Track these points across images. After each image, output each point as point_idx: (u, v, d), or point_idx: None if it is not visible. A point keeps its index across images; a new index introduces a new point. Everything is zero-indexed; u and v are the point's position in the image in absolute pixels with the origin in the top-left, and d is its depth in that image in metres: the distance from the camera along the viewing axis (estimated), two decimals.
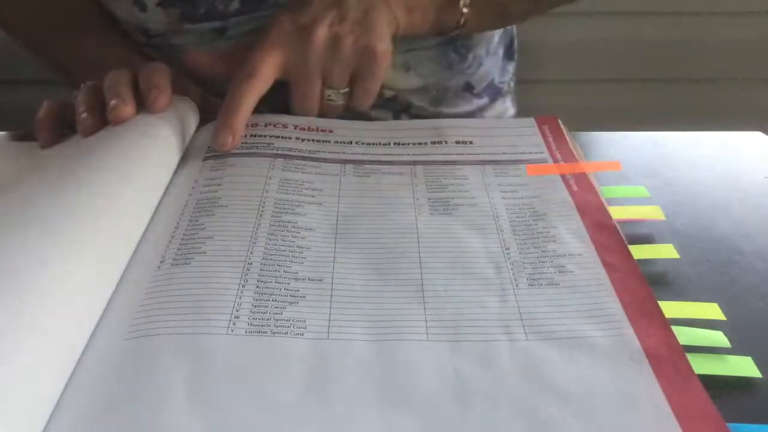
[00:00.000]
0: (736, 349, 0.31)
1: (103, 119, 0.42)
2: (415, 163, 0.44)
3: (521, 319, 0.32)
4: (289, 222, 0.38)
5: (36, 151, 0.44)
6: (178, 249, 0.35)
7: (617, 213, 0.40)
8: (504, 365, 0.29)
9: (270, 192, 0.40)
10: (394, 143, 0.46)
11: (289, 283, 0.34)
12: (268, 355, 0.30)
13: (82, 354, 0.29)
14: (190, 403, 0.27)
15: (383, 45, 0.44)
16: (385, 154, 0.45)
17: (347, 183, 0.42)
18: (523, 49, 0.94)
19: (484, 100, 0.63)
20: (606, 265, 0.35)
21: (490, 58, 0.62)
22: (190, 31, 0.53)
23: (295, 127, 0.47)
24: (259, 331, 0.31)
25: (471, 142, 0.47)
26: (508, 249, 0.37)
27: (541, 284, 0.34)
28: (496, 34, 0.63)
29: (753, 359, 0.31)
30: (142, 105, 0.43)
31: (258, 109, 0.57)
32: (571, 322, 0.32)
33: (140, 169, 0.38)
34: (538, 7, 0.60)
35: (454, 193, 0.41)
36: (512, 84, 0.68)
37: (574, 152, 0.45)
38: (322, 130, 0.47)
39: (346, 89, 0.45)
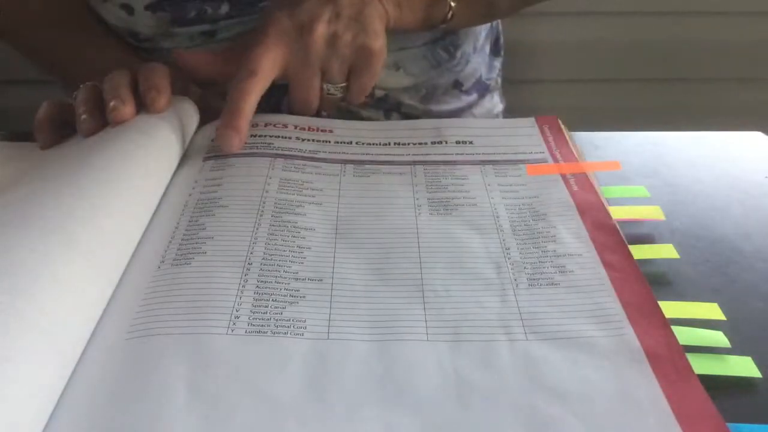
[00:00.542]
0: (736, 349, 0.31)
1: (102, 120, 0.42)
2: (415, 163, 0.44)
3: (521, 319, 0.32)
4: (289, 222, 0.38)
5: (36, 152, 0.44)
6: (178, 249, 0.35)
7: (617, 213, 0.40)
8: (504, 365, 0.29)
9: (270, 192, 0.40)
10: (394, 143, 0.46)
11: (289, 283, 0.34)
12: (268, 355, 0.30)
13: (82, 354, 0.29)
14: (190, 402, 0.27)
15: (379, 42, 0.45)
16: (385, 154, 0.45)
17: (347, 183, 0.42)
18: (523, 49, 0.94)
19: (473, 97, 0.64)
20: (606, 265, 0.35)
21: (477, 55, 0.63)
22: (179, 34, 0.53)
23: (295, 127, 0.47)
24: (259, 331, 0.31)
25: (471, 142, 0.47)
26: (508, 249, 0.37)
27: (541, 284, 0.34)
28: (483, 31, 0.63)
29: (753, 359, 0.31)
30: (142, 105, 0.43)
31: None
32: (571, 322, 0.32)
33: (140, 169, 0.38)
34: (524, 3, 0.60)
35: (454, 193, 0.41)
36: (499, 80, 0.69)
37: (574, 152, 0.45)
38: (322, 130, 0.47)
39: (344, 84, 0.46)
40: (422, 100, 0.60)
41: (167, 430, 0.26)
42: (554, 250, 0.36)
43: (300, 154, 0.44)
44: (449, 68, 0.60)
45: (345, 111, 0.58)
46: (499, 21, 0.68)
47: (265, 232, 0.37)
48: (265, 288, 0.33)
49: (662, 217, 0.40)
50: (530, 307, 0.33)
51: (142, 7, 0.52)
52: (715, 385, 0.29)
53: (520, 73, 0.93)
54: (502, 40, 0.69)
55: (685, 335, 0.31)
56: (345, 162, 0.44)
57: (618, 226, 0.38)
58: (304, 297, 0.33)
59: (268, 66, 0.42)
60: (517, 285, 0.34)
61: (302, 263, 0.35)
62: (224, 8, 0.52)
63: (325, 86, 0.45)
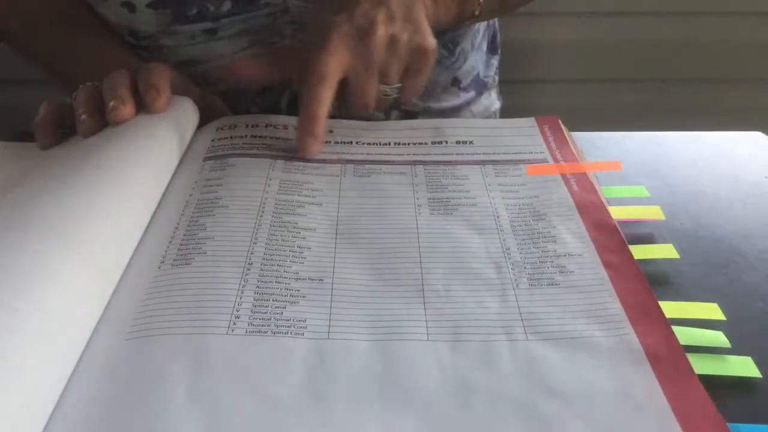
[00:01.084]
0: (736, 349, 0.31)
1: (102, 120, 0.42)
2: (415, 163, 0.44)
3: (521, 319, 0.32)
4: (289, 222, 0.38)
5: (36, 152, 0.44)
6: (178, 249, 0.35)
7: (617, 213, 0.40)
8: (504, 365, 0.29)
9: (270, 192, 0.40)
10: (395, 143, 0.46)
11: (289, 283, 0.34)
12: (268, 355, 0.30)
13: (82, 354, 0.29)
14: (190, 402, 0.27)
15: (432, 41, 0.45)
16: (385, 154, 0.45)
17: (347, 183, 0.42)
18: (523, 49, 0.94)
19: (471, 94, 0.64)
20: (606, 265, 0.35)
21: (475, 53, 0.63)
22: (180, 32, 0.53)
23: (296, 128, 0.47)
24: (260, 331, 0.31)
25: (471, 142, 0.47)
26: (509, 249, 0.37)
27: (541, 284, 0.34)
28: (481, 29, 0.64)
29: (753, 359, 0.31)
30: (142, 105, 0.43)
31: (248, 110, 0.57)
32: (571, 322, 0.32)
33: (140, 169, 0.38)
34: None
35: (454, 193, 0.41)
36: (497, 78, 0.69)
37: (575, 152, 0.45)
38: None
39: (399, 84, 0.47)
40: (422, 97, 0.60)
41: (167, 430, 0.26)
42: (554, 250, 0.36)
43: None
44: (448, 66, 0.61)
45: (402, 104, 0.59)
46: (496, 19, 0.68)
47: (266, 232, 0.37)
48: (266, 288, 0.33)
49: (662, 217, 0.40)
50: (530, 307, 0.33)
51: (143, 5, 0.52)
52: (715, 385, 0.29)
53: (520, 73, 0.93)
54: (499, 38, 0.69)
55: (685, 335, 0.31)
56: (345, 162, 0.44)
57: (618, 226, 0.38)
58: (304, 297, 0.33)
59: (334, 71, 0.43)
60: (517, 285, 0.34)
61: (302, 263, 0.35)
62: (226, 6, 0.52)
63: (381, 87, 0.46)
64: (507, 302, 0.33)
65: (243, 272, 0.34)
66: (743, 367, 0.30)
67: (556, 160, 0.44)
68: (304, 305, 0.32)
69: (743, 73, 1.01)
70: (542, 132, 0.48)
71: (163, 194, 0.40)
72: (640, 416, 0.27)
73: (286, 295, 0.33)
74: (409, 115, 0.60)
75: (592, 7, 0.95)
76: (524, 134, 0.48)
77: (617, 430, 0.27)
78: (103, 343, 0.30)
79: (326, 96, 0.42)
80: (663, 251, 0.38)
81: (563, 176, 0.43)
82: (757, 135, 0.52)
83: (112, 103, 0.41)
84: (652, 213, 0.41)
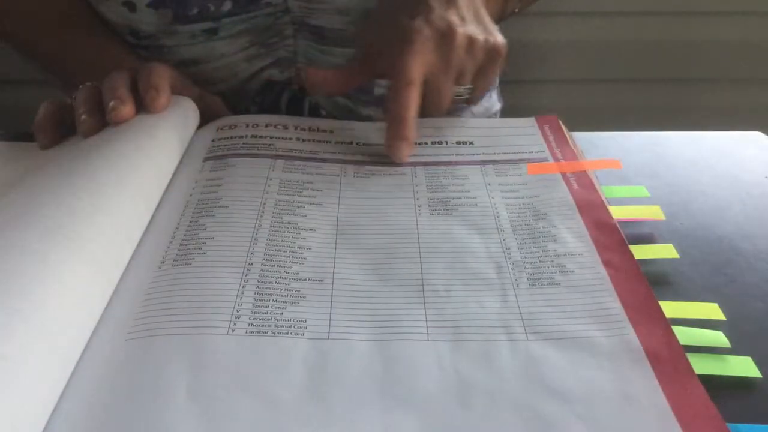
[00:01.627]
0: (736, 349, 0.31)
1: (102, 120, 0.42)
2: (415, 163, 0.44)
3: (522, 319, 0.32)
4: (289, 223, 0.38)
5: (36, 152, 0.44)
6: (178, 250, 0.35)
7: (617, 213, 0.40)
8: (504, 365, 0.29)
9: (270, 193, 0.40)
10: None
11: (289, 284, 0.34)
12: (268, 355, 0.30)
13: (82, 354, 0.29)
14: (190, 403, 0.27)
15: (503, 40, 0.46)
16: (385, 155, 0.45)
17: (348, 183, 0.42)
18: (523, 49, 0.94)
19: None
20: (606, 264, 0.35)
21: None
22: (181, 32, 0.53)
23: (296, 128, 0.47)
24: (260, 332, 0.31)
25: (471, 143, 0.47)
26: (509, 249, 0.37)
27: (541, 284, 0.34)
28: None
29: (753, 359, 0.31)
30: (142, 105, 0.43)
31: (248, 110, 0.57)
32: (571, 322, 0.32)
33: (140, 169, 0.38)
34: None
35: (454, 193, 0.41)
36: (497, 79, 0.69)
37: (575, 152, 0.45)
38: (322, 131, 0.47)
39: (471, 85, 0.47)
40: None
41: (168, 430, 0.26)
42: (555, 250, 0.36)
43: (300, 154, 0.44)
44: None
45: (344, 107, 0.59)
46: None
47: (266, 232, 0.37)
48: (266, 288, 0.33)
49: (662, 217, 0.40)
50: (531, 306, 0.33)
51: (144, 4, 0.52)
52: (715, 385, 0.29)
53: (520, 73, 0.93)
54: None
55: (685, 335, 0.31)
56: (345, 162, 0.44)
57: (618, 225, 0.38)
58: (304, 297, 0.33)
59: (419, 73, 0.43)
60: (517, 285, 0.34)
61: (303, 263, 0.35)
62: (227, 5, 0.52)
63: (455, 89, 0.46)
64: (507, 302, 0.33)
65: (243, 272, 0.34)
66: (743, 367, 0.30)
67: (556, 159, 0.44)
68: (305, 305, 0.32)
69: (743, 73, 1.01)
70: (542, 132, 0.48)
71: (164, 194, 0.40)
72: (640, 416, 0.27)
73: (286, 296, 0.33)
74: None
75: (592, 7, 0.95)
76: (524, 134, 0.48)
77: (617, 430, 0.27)
78: (103, 343, 0.30)
79: (414, 99, 0.43)
80: (663, 251, 0.38)
81: (563, 175, 0.43)
82: (757, 135, 0.52)
83: (112, 103, 0.41)
84: (652, 213, 0.41)
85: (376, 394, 0.28)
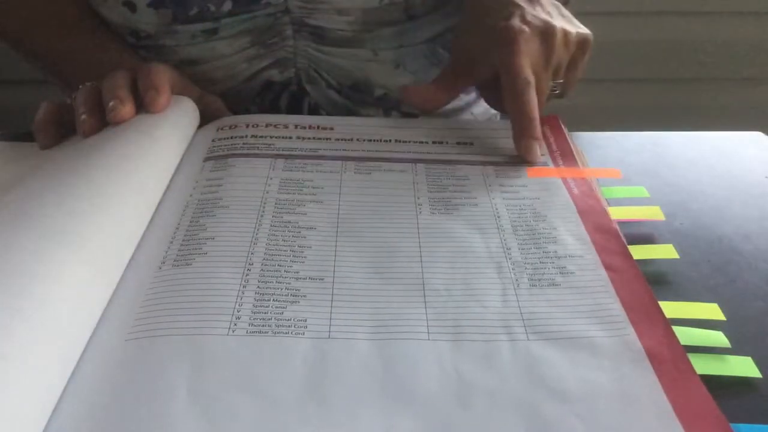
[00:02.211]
0: (736, 349, 0.31)
1: (102, 120, 0.42)
2: (416, 161, 0.44)
3: (522, 319, 0.32)
4: (290, 222, 0.38)
5: (36, 152, 0.44)
6: (179, 250, 0.35)
7: (617, 213, 0.40)
8: (505, 365, 0.29)
9: (271, 192, 0.40)
10: (395, 140, 0.46)
11: (290, 283, 0.34)
12: (269, 355, 0.30)
13: (82, 355, 0.29)
14: (191, 403, 0.27)
15: (590, 32, 0.47)
16: (386, 151, 0.45)
17: (348, 180, 0.42)
18: None
19: (471, 96, 0.64)
20: (606, 266, 0.35)
21: None
22: (181, 32, 0.53)
23: (296, 127, 0.47)
24: (261, 331, 0.31)
25: (472, 144, 0.47)
26: (509, 249, 0.37)
27: (542, 284, 0.34)
28: None
29: (753, 359, 0.31)
30: (142, 106, 0.43)
31: (248, 110, 0.57)
32: (572, 322, 0.32)
33: (140, 169, 0.38)
34: None
35: (454, 192, 0.41)
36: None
37: (575, 153, 0.45)
38: (322, 128, 0.47)
39: (561, 80, 0.47)
40: None
41: (168, 430, 0.26)
42: (555, 251, 0.36)
43: (301, 153, 0.44)
44: None
45: (344, 107, 0.59)
46: None
47: (266, 232, 0.37)
48: (266, 288, 0.33)
49: (662, 217, 0.40)
50: (531, 307, 0.33)
51: (144, 5, 0.52)
52: (715, 385, 0.29)
53: None
54: None
55: (685, 335, 0.31)
56: (346, 159, 0.44)
57: (618, 229, 0.38)
58: (305, 296, 0.33)
59: (531, 72, 0.43)
60: (518, 285, 0.34)
61: (303, 262, 0.35)
62: (227, 6, 0.52)
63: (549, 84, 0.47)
64: (508, 302, 0.33)
65: (243, 272, 0.34)
66: (743, 367, 0.31)
67: (556, 162, 0.44)
68: (305, 305, 0.32)
69: (743, 73, 1.01)
70: (542, 132, 0.48)
71: (164, 194, 0.40)
72: (641, 416, 0.27)
73: (286, 295, 0.33)
74: (409, 116, 0.60)
75: (592, 7, 0.95)
76: None
77: (618, 430, 0.27)
78: (103, 343, 0.30)
79: (535, 98, 0.43)
80: (663, 251, 0.38)
81: (564, 179, 0.43)
82: (757, 135, 0.52)
83: (111, 103, 0.41)
84: (652, 213, 0.41)
85: (376, 393, 0.28)
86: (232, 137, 0.46)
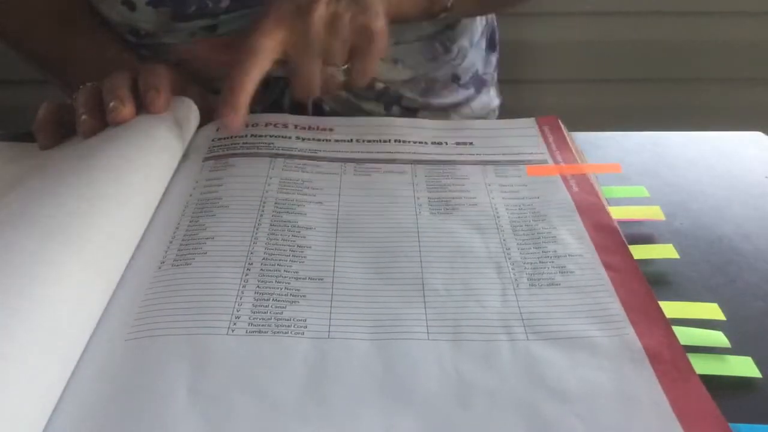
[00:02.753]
0: (736, 349, 0.31)
1: (102, 120, 0.42)
2: (415, 162, 0.44)
3: (522, 319, 0.32)
4: (289, 221, 0.38)
5: (36, 152, 0.44)
6: (178, 250, 0.35)
7: (617, 213, 0.40)
8: (505, 365, 0.29)
9: (270, 192, 0.40)
10: (395, 140, 0.46)
11: (289, 283, 0.34)
12: (268, 354, 0.30)
13: (82, 354, 0.29)
14: (190, 403, 0.27)
15: (380, 22, 0.44)
16: (385, 152, 0.45)
17: (348, 182, 0.42)
18: (523, 49, 0.94)
19: (470, 91, 0.64)
20: (606, 265, 0.35)
21: (474, 50, 0.63)
22: (180, 29, 0.53)
23: (296, 127, 0.47)
24: (260, 331, 0.31)
25: (471, 143, 0.47)
26: (509, 249, 0.37)
27: (541, 284, 0.34)
28: (479, 27, 0.64)
29: (753, 359, 0.31)
30: (142, 106, 0.43)
31: (251, 108, 0.57)
32: (571, 322, 0.32)
33: (140, 169, 0.38)
34: None
35: (454, 193, 0.41)
36: (496, 75, 0.69)
37: (575, 152, 0.45)
38: (322, 129, 0.47)
39: (346, 66, 0.45)
40: (422, 93, 0.61)
41: (168, 430, 0.26)
42: (555, 251, 0.36)
43: (300, 153, 0.44)
44: (446, 61, 0.61)
45: (346, 102, 0.59)
46: (494, 16, 0.68)
47: (266, 231, 0.37)
48: (266, 288, 0.33)
49: (662, 217, 0.40)
50: (531, 307, 0.33)
51: (143, 3, 0.52)
52: (715, 385, 0.29)
53: (520, 73, 0.93)
54: (497, 35, 0.69)
55: (685, 335, 0.31)
56: (345, 161, 0.44)
57: (618, 227, 0.38)
58: (304, 296, 0.33)
59: (267, 46, 0.41)
60: (517, 285, 0.34)
61: (303, 262, 0.35)
62: (225, 2, 0.52)
63: (326, 70, 0.45)
64: (507, 302, 0.33)
65: (243, 272, 0.34)
66: (743, 367, 0.30)
67: (556, 161, 0.44)
68: (305, 305, 0.32)
69: (743, 73, 1.01)
70: (542, 133, 0.48)
71: (164, 194, 0.40)
72: (640, 416, 0.27)
73: (286, 295, 0.33)
74: (409, 111, 0.61)
75: (592, 7, 0.95)
76: (524, 135, 0.48)
77: (618, 430, 0.27)
78: (103, 343, 0.30)
79: (253, 68, 0.41)
80: (663, 251, 0.38)
81: (563, 177, 0.43)
82: (757, 135, 0.52)
83: (112, 104, 0.41)
84: (652, 213, 0.41)
85: (376, 393, 0.28)
86: (231, 137, 0.46)
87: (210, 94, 0.51)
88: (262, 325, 0.31)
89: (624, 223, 0.39)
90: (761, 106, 1.00)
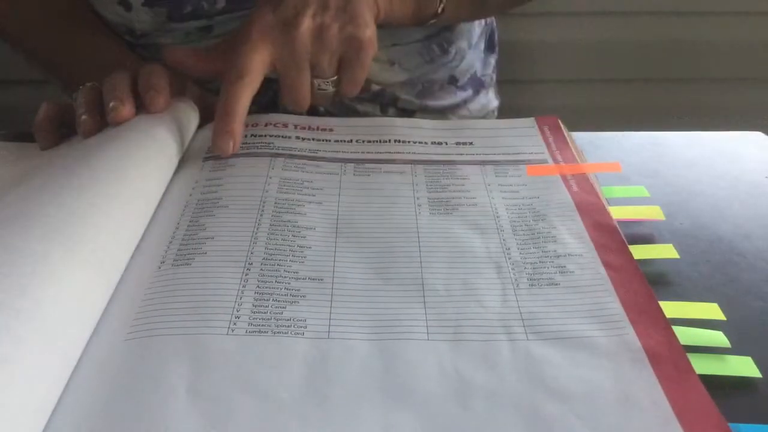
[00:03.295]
0: (736, 349, 0.31)
1: (102, 120, 0.42)
2: (415, 162, 0.44)
3: (522, 319, 0.32)
4: (289, 221, 0.38)
5: (36, 152, 0.44)
6: (178, 249, 0.35)
7: (617, 213, 0.40)
8: (504, 365, 0.29)
9: (270, 192, 0.40)
10: (395, 140, 0.46)
11: (289, 283, 0.34)
12: (268, 354, 0.30)
13: (82, 354, 0.29)
14: (190, 403, 0.27)
15: (368, 32, 0.43)
16: (385, 152, 0.45)
17: (347, 182, 0.42)
18: (523, 49, 0.93)
19: (468, 93, 0.64)
20: (606, 265, 0.35)
21: (472, 51, 0.63)
22: (176, 30, 0.53)
23: (295, 127, 0.47)
24: (260, 331, 0.31)
25: (471, 143, 0.47)
26: (509, 249, 0.37)
27: (541, 284, 0.34)
28: (477, 28, 0.64)
29: (753, 359, 0.31)
30: (142, 106, 0.43)
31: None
32: (571, 322, 0.32)
33: (140, 169, 0.38)
34: (514, 2, 0.60)
35: (454, 193, 0.41)
36: (494, 76, 0.69)
37: (574, 152, 0.45)
38: (322, 129, 0.47)
39: (335, 77, 0.45)
40: (418, 95, 0.61)
41: (168, 430, 0.26)
42: (554, 251, 0.36)
43: (300, 153, 0.44)
44: (444, 63, 0.61)
45: (341, 105, 0.59)
46: (494, 18, 0.68)
47: (266, 231, 0.37)
48: (266, 288, 0.33)
49: (662, 217, 0.40)
50: (531, 307, 0.33)
51: (139, 3, 0.52)
52: (715, 385, 0.29)
53: (520, 73, 0.93)
54: (496, 36, 0.69)
55: (685, 335, 0.31)
56: (345, 161, 0.44)
57: (618, 227, 0.38)
58: (304, 296, 0.33)
59: (255, 66, 0.41)
60: (517, 285, 0.34)
61: (302, 262, 0.35)
62: (220, 3, 0.52)
63: (315, 82, 0.44)
64: (507, 302, 0.33)
65: (243, 272, 0.34)
66: (743, 367, 0.30)
67: (555, 161, 0.44)
68: (304, 305, 0.32)
69: (743, 73, 1.01)
70: (542, 132, 0.48)
71: (164, 194, 0.40)
72: (640, 416, 0.27)
73: (286, 295, 0.33)
74: (406, 113, 0.61)
75: (592, 7, 0.95)
76: (524, 135, 0.48)
77: (618, 430, 0.27)
78: (103, 343, 0.30)
79: (244, 92, 0.41)
80: (663, 251, 0.38)
81: (563, 177, 0.43)
82: (757, 135, 0.52)
83: (111, 104, 0.41)
84: (652, 213, 0.41)
85: (375, 393, 0.28)
86: None
87: (209, 94, 0.51)
88: (262, 325, 0.31)
89: (624, 223, 0.39)
90: (761, 106, 1.00)
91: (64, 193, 0.34)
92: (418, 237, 0.37)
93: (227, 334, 0.30)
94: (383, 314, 0.32)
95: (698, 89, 1.02)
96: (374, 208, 0.40)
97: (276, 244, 0.36)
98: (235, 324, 0.31)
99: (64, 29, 0.55)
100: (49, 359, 0.27)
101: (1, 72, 0.88)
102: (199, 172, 0.42)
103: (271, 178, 0.41)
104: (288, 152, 0.44)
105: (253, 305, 0.32)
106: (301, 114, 0.46)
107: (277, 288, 0.33)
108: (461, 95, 0.63)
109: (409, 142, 0.46)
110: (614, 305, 0.33)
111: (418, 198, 0.41)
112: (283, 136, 0.46)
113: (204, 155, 0.44)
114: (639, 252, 0.37)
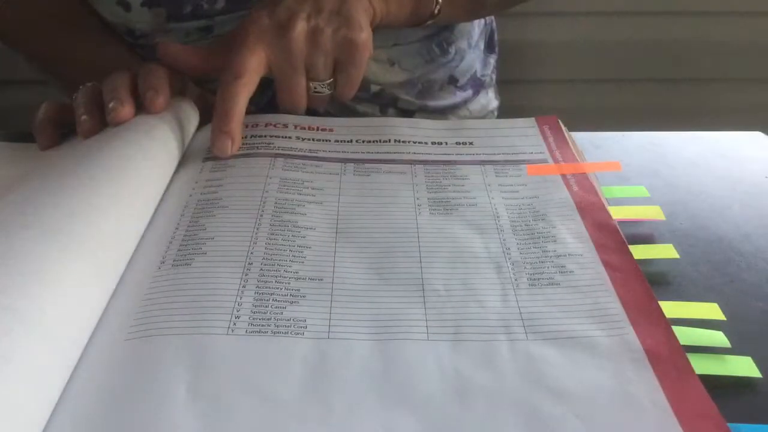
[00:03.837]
0: (736, 349, 0.31)
1: (102, 121, 0.42)
2: (415, 162, 0.44)
3: (522, 319, 0.32)
4: (289, 221, 0.38)
5: (36, 152, 0.44)
6: (178, 250, 0.35)
7: (617, 213, 0.40)
8: (504, 365, 0.29)
9: (270, 192, 0.40)
10: (395, 140, 0.46)
11: (289, 283, 0.34)
12: (268, 354, 0.30)
13: (82, 354, 0.29)
14: (190, 403, 0.27)
15: (363, 35, 0.43)
16: (385, 152, 0.45)
17: (347, 182, 0.42)
18: (523, 49, 0.93)
19: (468, 93, 0.64)
20: (606, 265, 0.35)
21: (472, 52, 0.63)
22: (175, 30, 0.53)
23: (296, 127, 0.47)
24: (260, 331, 0.31)
25: (471, 143, 0.47)
26: (509, 249, 0.37)
27: (541, 284, 0.34)
28: (477, 28, 0.64)
29: (753, 359, 0.31)
30: (141, 106, 0.43)
31: (247, 110, 0.57)
32: (571, 322, 0.32)
33: (140, 169, 0.38)
34: (511, 2, 0.60)
35: (454, 193, 0.41)
36: (494, 76, 0.69)
37: (574, 152, 0.45)
38: (322, 129, 0.47)
39: (331, 79, 0.45)
40: (418, 95, 0.61)
41: (167, 430, 0.26)
42: (554, 250, 0.36)
43: (300, 153, 0.44)
44: (444, 64, 0.61)
45: (340, 106, 0.59)
46: (493, 18, 0.68)
47: (266, 231, 0.37)
48: (266, 288, 0.33)
49: (662, 217, 0.40)
50: (531, 306, 0.33)
51: (138, 3, 0.52)
52: (715, 385, 0.29)
53: (520, 73, 0.93)
54: (496, 36, 0.69)
55: (685, 335, 0.31)
56: (345, 161, 0.44)
57: (618, 226, 0.38)
58: (304, 296, 0.33)
59: (252, 67, 0.41)
60: (517, 285, 0.34)
61: (302, 263, 0.35)
62: (220, 3, 0.52)
63: (311, 84, 0.45)
64: (507, 302, 0.33)
65: (243, 272, 0.34)
66: (743, 367, 0.30)
67: (555, 161, 0.44)
68: (304, 305, 0.32)
69: (743, 73, 1.01)
70: (542, 132, 0.48)
71: (163, 195, 0.40)
72: (640, 416, 0.27)
73: (286, 295, 0.33)
74: (405, 113, 0.61)
75: (592, 7, 0.95)
76: (524, 134, 0.48)
77: (617, 430, 0.27)
78: (103, 343, 0.30)
79: (240, 93, 0.41)
80: (663, 251, 0.38)
81: (563, 177, 0.43)
82: (757, 135, 0.52)
83: (111, 104, 0.41)
84: (652, 213, 0.41)
85: (375, 393, 0.28)
86: None
87: (209, 94, 0.51)
88: (262, 325, 0.31)
89: (624, 223, 0.39)
90: (761, 106, 1.00)
91: (64, 194, 0.34)
92: (418, 237, 0.37)
93: (227, 334, 0.30)
94: (383, 314, 0.32)
95: (698, 89, 1.02)
96: (374, 208, 0.40)
97: (276, 245, 0.36)
98: (235, 324, 0.31)
99: (64, 29, 0.55)
100: (49, 359, 0.27)
101: (1, 72, 0.88)
102: (199, 172, 0.42)
103: (271, 178, 0.41)
104: (288, 152, 0.44)
105: (253, 305, 0.32)
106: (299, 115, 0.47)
107: (277, 288, 0.33)
108: (461, 95, 0.63)
109: (409, 142, 0.46)
110: (614, 305, 0.33)
111: (418, 198, 0.41)
112: (283, 137, 0.46)
113: (204, 156, 0.44)
114: (639, 252, 0.37)
